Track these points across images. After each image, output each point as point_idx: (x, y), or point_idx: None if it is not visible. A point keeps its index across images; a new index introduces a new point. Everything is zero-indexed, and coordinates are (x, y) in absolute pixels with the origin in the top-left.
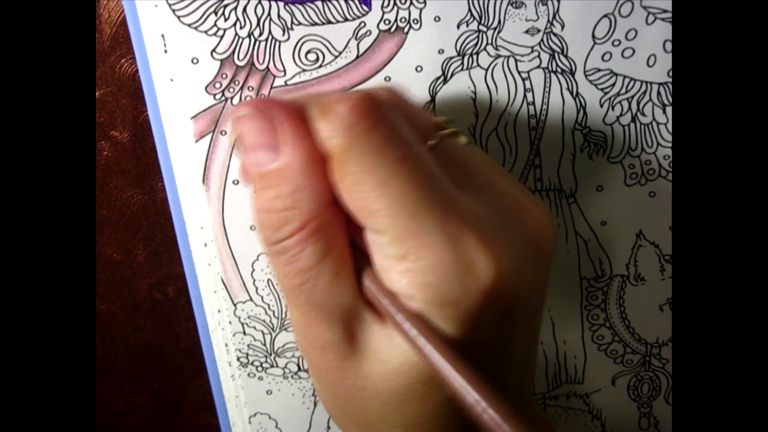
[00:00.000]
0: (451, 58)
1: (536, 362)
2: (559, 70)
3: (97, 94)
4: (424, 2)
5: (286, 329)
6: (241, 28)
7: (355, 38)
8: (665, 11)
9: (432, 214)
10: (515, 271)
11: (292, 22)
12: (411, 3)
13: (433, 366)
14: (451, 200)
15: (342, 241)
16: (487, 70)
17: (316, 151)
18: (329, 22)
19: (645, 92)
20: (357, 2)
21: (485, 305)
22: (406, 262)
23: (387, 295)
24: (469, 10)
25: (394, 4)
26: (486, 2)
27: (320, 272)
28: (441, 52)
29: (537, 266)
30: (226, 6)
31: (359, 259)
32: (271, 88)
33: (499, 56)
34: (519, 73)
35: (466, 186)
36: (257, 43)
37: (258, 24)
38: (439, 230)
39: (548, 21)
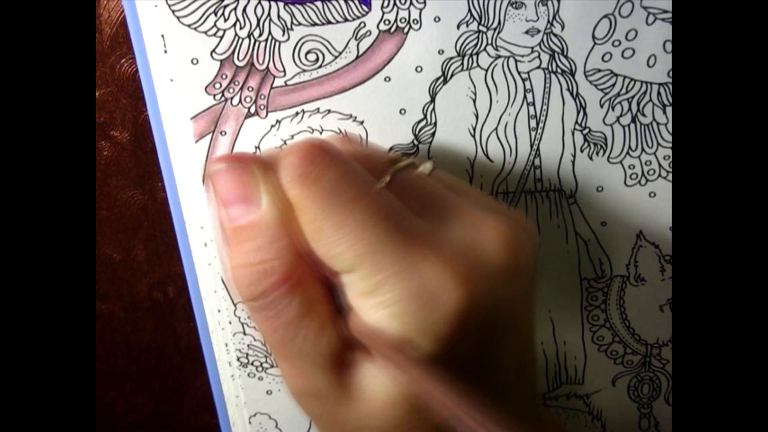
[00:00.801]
0: (451, 58)
1: (535, 371)
2: (559, 70)
3: (97, 94)
4: (424, 2)
5: None
6: (240, 28)
7: (355, 38)
8: (665, 11)
9: (393, 247)
10: (486, 287)
11: (291, 23)
12: (411, 3)
13: (420, 391)
14: (411, 230)
15: (321, 287)
16: (487, 70)
17: (289, 202)
18: (329, 23)
19: (645, 93)
20: (357, 2)
21: (460, 326)
22: (377, 296)
23: (365, 329)
24: (469, 10)
25: (394, 4)
26: (486, 3)
27: (309, 322)
28: (441, 52)
29: (511, 278)
30: (225, 6)
31: (339, 299)
32: (271, 88)
33: (499, 57)
34: (519, 73)
35: (426, 214)
36: (257, 43)
37: (258, 24)
38: (402, 261)
39: (548, 21)
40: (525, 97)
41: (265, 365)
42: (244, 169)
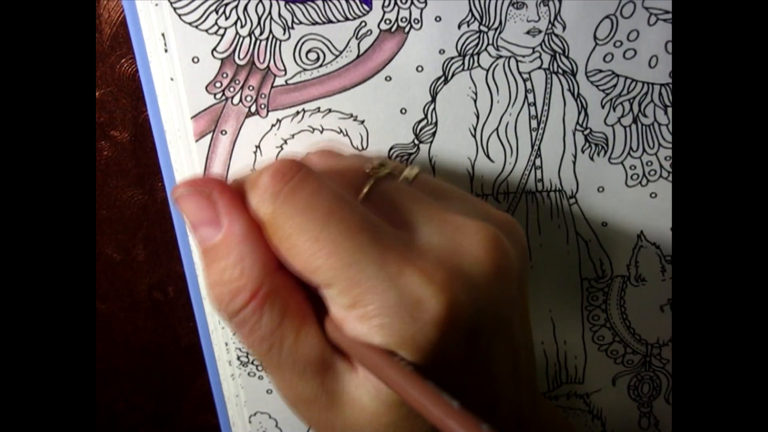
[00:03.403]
0: (452, 58)
1: (533, 372)
2: (560, 71)
3: (97, 94)
4: (425, 2)
5: None
6: (241, 26)
7: (356, 38)
8: (667, 12)
9: (370, 259)
10: (469, 293)
11: (292, 21)
12: (412, 3)
13: (408, 400)
14: (388, 241)
15: (297, 298)
16: (488, 70)
17: (254, 221)
18: (330, 22)
19: (646, 93)
20: (358, 1)
21: (444, 334)
22: (358, 309)
23: (349, 341)
24: (470, 10)
25: (395, 3)
26: (487, 3)
27: (282, 335)
28: (442, 52)
29: (494, 283)
30: (226, 5)
31: (321, 310)
32: (272, 87)
33: (500, 57)
34: (520, 73)
35: (405, 224)
36: (258, 42)
37: (259, 23)
38: (380, 273)
39: (549, 22)
40: (526, 97)
41: None
42: (202, 194)
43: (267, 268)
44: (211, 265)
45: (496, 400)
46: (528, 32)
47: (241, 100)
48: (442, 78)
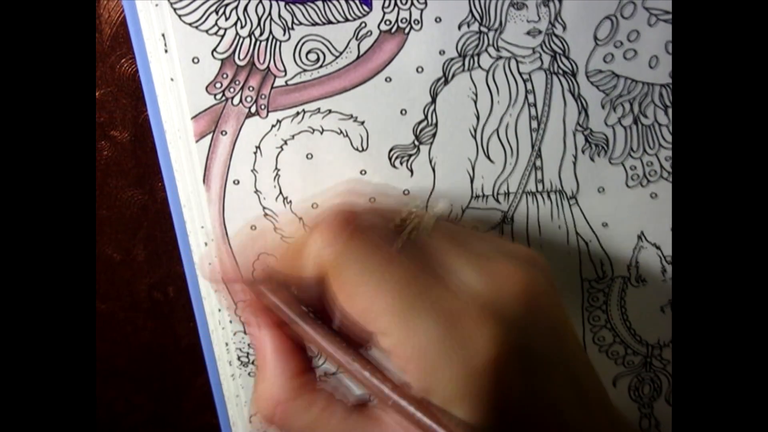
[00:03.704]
0: (452, 59)
1: (601, 394)
2: (560, 71)
3: (97, 94)
4: (425, 3)
5: None
6: (241, 27)
7: (356, 38)
8: (667, 12)
9: (424, 310)
10: (514, 334)
11: (292, 22)
12: (412, 3)
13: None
14: (433, 291)
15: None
16: (488, 71)
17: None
18: (330, 22)
19: (647, 94)
20: (358, 2)
21: (500, 375)
22: (415, 361)
23: (409, 398)
24: (471, 11)
25: (395, 4)
26: (487, 3)
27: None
28: (442, 53)
29: (535, 319)
30: (226, 5)
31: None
32: (272, 88)
33: (501, 57)
34: (520, 74)
35: (439, 275)
36: (258, 42)
37: (259, 23)
38: (434, 323)
39: (550, 22)
40: (526, 98)
41: None
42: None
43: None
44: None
45: (567, 428)
46: (528, 33)
47: (241, 101)
48: (443, 79)
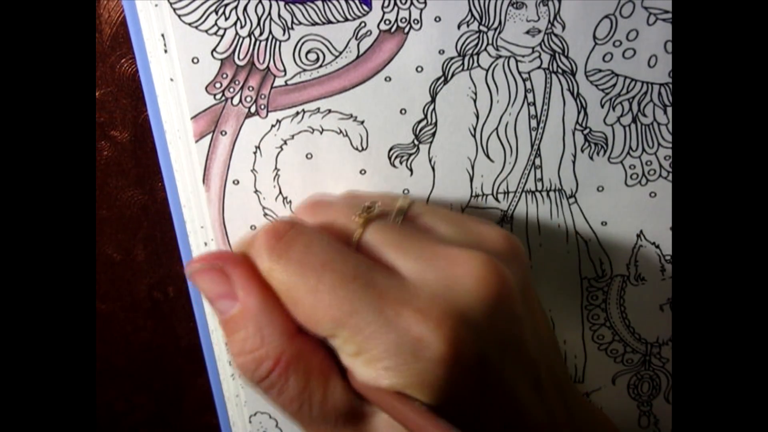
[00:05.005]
0: (452, 58)
1: (561, 378)
2: (560, 70)
3: (97, 94)
4: (425, 2)
5: None
6: (241, 27)
7: (356, 38)
8: (666, 12)
9: (368, 306)
10: (469, 324)
11: (292, 22)
12: (411, 3)
13: None
14: (383, 285)
15: (320, 355)
16: (487, 70)
17: (269, 290)
18: (329, 22)
19: (646, 93)
20: (357, 2)
21: (450, 368)
22: (363, 356)
23: (364, 387)
24: (470, 10)
25: (395, 4)
26: (487, 3)
27: (311, 393)
28: (441, 52)
29: (495, 307)
30: (226, 5)
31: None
32: (272, 88)
33: (500, 57)
34: (520, 73)
35: (397, 265)
36: (257, 42)
37: (258, 23)
38: (379, 318)
39: (549, 21)
40: (526, 97)
41: None
42: (215, 268)
43: (286, 334)
44: (231, 336)
45: (518, 420)
46: (527, 32)
47: (240, 101)
48: (442, 78)
